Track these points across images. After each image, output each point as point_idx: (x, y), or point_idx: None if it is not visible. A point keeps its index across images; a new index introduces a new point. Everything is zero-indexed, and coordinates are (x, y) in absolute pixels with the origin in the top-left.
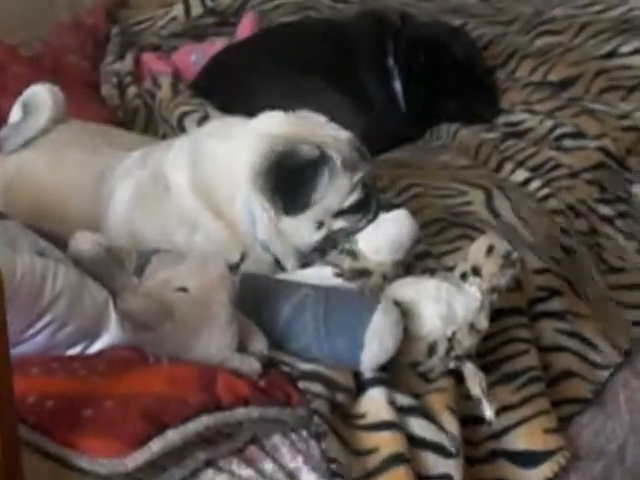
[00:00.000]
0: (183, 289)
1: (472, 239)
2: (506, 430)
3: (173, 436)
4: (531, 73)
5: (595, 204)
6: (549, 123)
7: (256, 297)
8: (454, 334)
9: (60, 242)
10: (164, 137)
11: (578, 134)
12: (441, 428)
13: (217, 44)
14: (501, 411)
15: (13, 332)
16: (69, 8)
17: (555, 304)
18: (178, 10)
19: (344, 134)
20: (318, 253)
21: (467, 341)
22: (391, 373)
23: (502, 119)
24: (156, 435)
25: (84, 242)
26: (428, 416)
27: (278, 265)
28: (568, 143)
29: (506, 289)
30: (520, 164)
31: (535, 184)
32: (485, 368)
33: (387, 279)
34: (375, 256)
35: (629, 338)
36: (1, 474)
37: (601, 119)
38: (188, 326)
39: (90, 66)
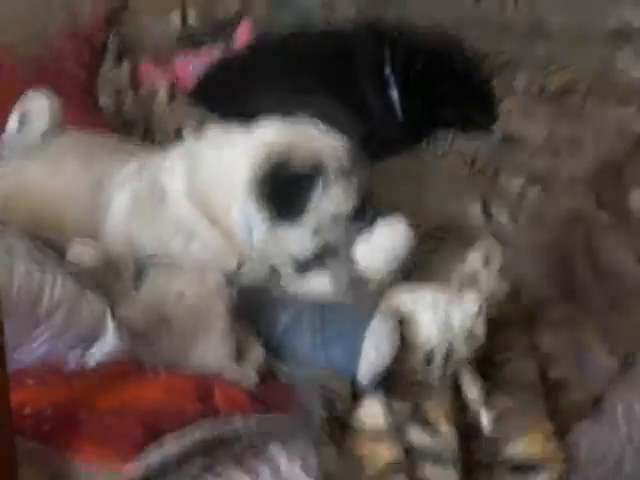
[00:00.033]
0: (180, 299)
1: (469, 247)
2: (503, 438)
3: (171, 445)
4: (528, 81)
5: (593, 211)
6: (546, 130)
7: (253, 307)
8: (451, 342)
9: (58, 252)
10: (161, 146)
11: (575, 141)
12: (438, 436)
13: (214, 52)
14: (499, 420)
15: (11, 343)
16: (67, 17)
17: (552, 312)
18: (175, 18)
19: (341, 142)
20: (315, 261)
21: (464, 349)
22: (388, 382)
23: (499, 127)
24: (154, 445)
25: (82, 252)
26: (425, 424)
27: (274, 273)
28: (565, 150)
29: (503, 297)
30: (517, 171)
31: (532, 191)
32: (482, 376)
33: (384, 288)
34: (372, 265)
35: (627, 347)
36: None
37: (598, 127)
38: (185, 335)
39: (87, 75)
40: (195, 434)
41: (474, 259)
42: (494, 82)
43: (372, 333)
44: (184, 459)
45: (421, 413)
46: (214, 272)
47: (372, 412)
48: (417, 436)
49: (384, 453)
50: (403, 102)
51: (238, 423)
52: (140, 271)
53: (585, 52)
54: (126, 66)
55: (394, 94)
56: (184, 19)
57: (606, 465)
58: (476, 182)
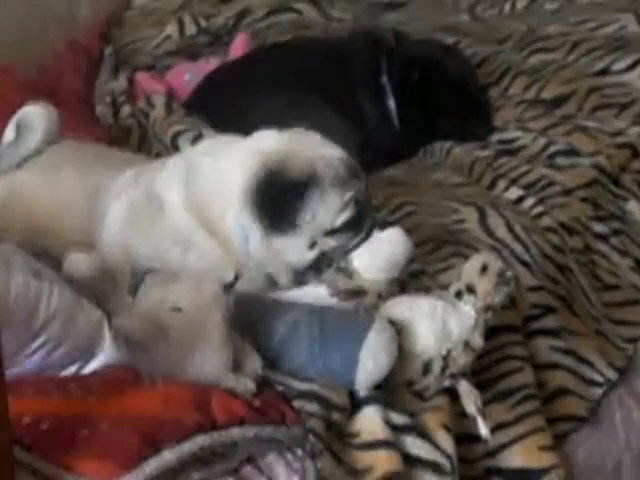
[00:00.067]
0: (177, 309)
1: (466, 257)
2: (501, 448)
3: (168, 456)
4: (524, 91)
5: (589, 221)
6: (542, 141)
7: (250, 316)
8: (449, 352)
9: (54, 263)
10: (158, 156)
11: (571, 151)
12: (436, 446)
13: (211, 63)
14: (496, 429)
15: (8, 353)
16: (63, 28)
17: (550, 321)
18: (172, 29)
19: (337, 152)
20: (313, 271)
21: (462, 359)
22: (386, 391)
23: (495, 137)
24: (151, 456)
25: (78, 262)
26: (423, 434)
27: (272, 282)
28: (561, 161)
29: (500, 307)
30: (513, 182)
31: (529, 202)
32: (480, 386)
33: (382, 297)
34: (370, 275)
35: (624, 355)
36: None
37: (594, 136)
38: (182, 346)
39: (84, 85)
40: (192, 444)
41: (471, 268)
42: (490, 91)
43: (370, 343)
44: (181, 469)
45: (419, 423)
46: (211, 282)
47: (370, 422)
48: (415, 446)
49: (382, 463)
50: (400, 111)
51: (235, 433)
52: (137, 281)
53: (581, 61)
54: (123, 76)
55: (391, 103)
56: (181, 30)
57: (605, 472)
58: (472, 192)
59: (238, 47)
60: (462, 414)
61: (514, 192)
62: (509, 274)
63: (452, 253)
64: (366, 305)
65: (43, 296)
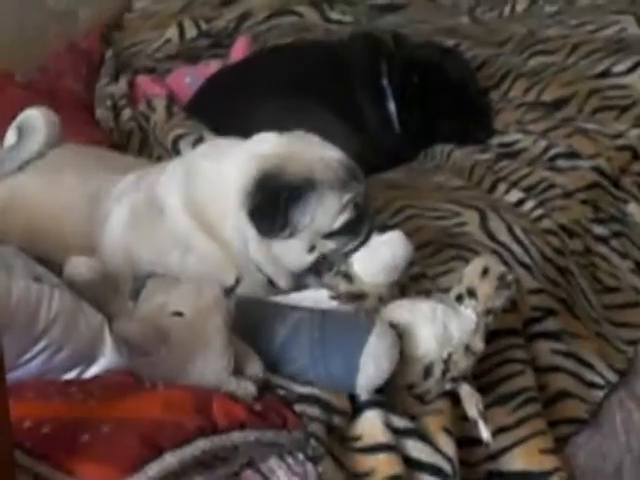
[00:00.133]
0: (178, 313)
1: (467, 260)
2: (503, 451)
3: (170, 460)
4: (524, 93)
5: (589, 224)
6: (543, 143)
7: (251, 320)
8: (450, 356)
9: (55, 267)
10: (159, 160)
11: (572, 154)
12: (437, 450)
13: (211, 66)
14: (497, 432)
15: (9, 357)
16: (63, 32)
17: (550, 324)
18: (172, 33)
19: (336, 154)
20: (313, 274)
21: (463, 362)
22: (387, 395)
23: (496, 140)
24: (152, 460)
25: (79, 266)
26: (424, 438)
27: (272, 285)
28: (562, 163)
29: (501, 310)
30: (514, 184)
31: (529, 204)
32: (481, 389)
33: (382, 301)
34: (370, 278)
35: (624, 358)
36: None
37: (594, 139)
38: (183, 350)
39: (84, 89)
40: (193, 448)
41: (472, 272)
42: (491, 94)
43: (371, 347)
44: (183, 473)
45: (420, 426)
46: (212, 286)
47: (371, 425)
48: (416, 449)
49: (383, 467)
50: (400, 114)
51: (236, 437)
52: (138, 285)
53: (581, 63)
54: (123, 80)
55: (391, 106)
56: (182, 33)
57: (605, 474)
58: (473, 195)
59: (239, 50)
60: (463, 417)
61: (514, 195)
62: (510, 277)
63: (453, 256)
64: (367, 308)
65: (44, 300)
